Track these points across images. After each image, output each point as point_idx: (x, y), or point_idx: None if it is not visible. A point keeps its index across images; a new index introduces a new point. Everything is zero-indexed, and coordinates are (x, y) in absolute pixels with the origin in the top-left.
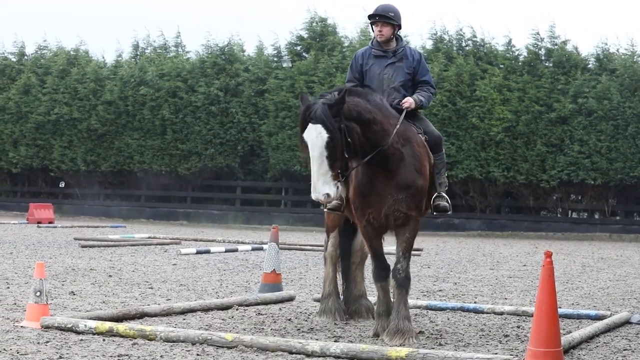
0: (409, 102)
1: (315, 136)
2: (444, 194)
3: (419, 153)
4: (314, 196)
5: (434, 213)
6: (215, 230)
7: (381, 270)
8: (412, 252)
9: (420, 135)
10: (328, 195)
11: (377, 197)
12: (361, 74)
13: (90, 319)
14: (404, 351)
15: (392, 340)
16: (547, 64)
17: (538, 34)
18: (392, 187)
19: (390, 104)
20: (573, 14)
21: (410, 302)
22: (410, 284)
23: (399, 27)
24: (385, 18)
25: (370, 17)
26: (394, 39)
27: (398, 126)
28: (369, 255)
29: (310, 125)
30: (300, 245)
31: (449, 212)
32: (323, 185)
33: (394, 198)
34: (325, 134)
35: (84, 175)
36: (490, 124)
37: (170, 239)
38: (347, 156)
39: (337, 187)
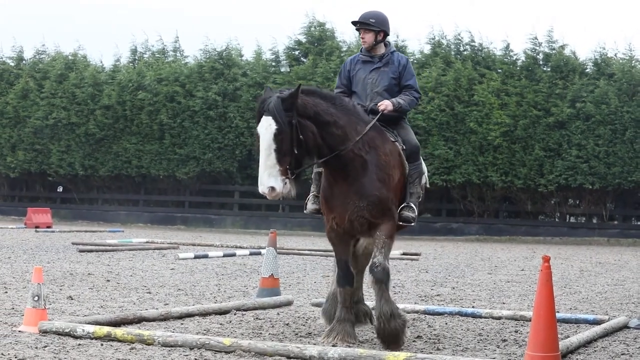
0: (385, 104)
1: (265, 128)
2: (413, 204)
3: (385, 162)
4: (260, 189)
5: (399, 222)
6: (213, 234)
7: (343, 276)
8: (411, 257)
9: (395, 143)
10: (273, 188)
11: (339, 203)
12: (349, 80)
13: (88, 323)
14: (402, 356)
15: (385, 343)
16: (545, 69)
17: (536, 38)
18: (352, 193)
19: (365, 107)
20: (571, 18)
21: (408, 306)
22: (389, 279)
23: (384, 33)
24: (365, 25)
25: (352, 23)
26: (383, 44)
27: (365, 132)
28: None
29: (262, 117)
30: (298, 249)
31: (412, 224)
32: (268, 178)
33: (355, 205)
34: (274, 125)
35: (81, 179)
36: (488, 128)
37: (168, 243)
38: (296, 152)
39: (285, 183)
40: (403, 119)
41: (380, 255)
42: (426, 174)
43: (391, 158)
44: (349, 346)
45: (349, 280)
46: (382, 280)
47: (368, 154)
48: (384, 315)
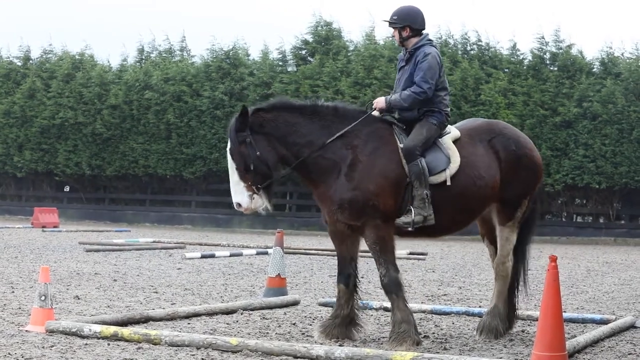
0: (375, 102)
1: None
2: (413, 209)
3: (362, 161)
4: None
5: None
6: (219, 234)
7: (338, 274)
8: (417, 257)
9: (395, 140)
10: (238, 204)
11: (321, 206)
12: None
13: (95, 323)
14: (408, 355)
15: (391, 346)
16: (551, 68)
17: (543, 37)
18: (327, 197)
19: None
20: (578, 18)
21: (415, 306)
22: (398, 288)
23: (409, 27)
24: (389, 22)
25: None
26: (415, 38)
27: (337, 136)
28: None
29: None
30: (305, 249)
31: (410, 229)
32: (235, 195)
33: (330, 208)
34: (228, 145)
35: (88, 179)
36: None
37: (175, 243)
38: (252, 168)
39: (252, 198)
40: (430, 116)
41: (380, 267)
42: (444, 170)
43: (376, 157)
44: (341, 345)
45: (343, 279)
46: (390, 291)
47: (342, 155)
48: (396, 322)
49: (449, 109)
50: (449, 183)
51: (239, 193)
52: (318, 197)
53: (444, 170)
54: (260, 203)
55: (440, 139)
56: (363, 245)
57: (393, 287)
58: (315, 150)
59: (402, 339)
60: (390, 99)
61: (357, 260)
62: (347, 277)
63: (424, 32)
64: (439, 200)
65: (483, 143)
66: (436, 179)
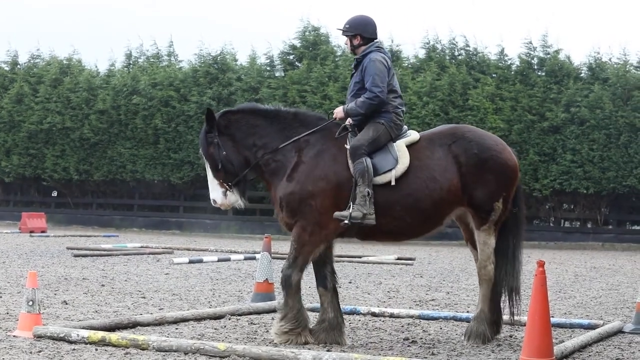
0: (335, 112)
1: None
2: (353, 205)
3: (304, 162)
4: None
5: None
6: (207, 239)
7: (315, 277)
8: (405, 262)
9: (343, 142)
10: (214, 201)
11: (274, 207)
12: None
13: (83, 328)
14: None
15: (278, 339)
16: (539, 73)
17: (530, 43)
18: (275, 199)
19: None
20: (566, 23)
21: (403, 311)
22: (289, 285)
23: (360, 36)
24: (342, 31)
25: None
26: (365, 46)
27: (295, 139)
28: None
29: None
30: None
31: (346, 222)
32: (211, 192)
33: (277, 209)
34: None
35: (76, 184)
36: None
37: (163, 248)
38: (220, 167)
39: (225, 195)
40: (378, 116)
41: (287, 261)
42: (390, 171)
43: (319, 159)
44: (329, 350)
45: (320, 282)
46: (283, 286)
47: (289, 158)
48: (280, 319)
49: (399, 110)
50: (393, 183)
51: (214, 190)
52: (272, 199)
53: (390, 170)
54: (234, 199)
55: (393, 142)
56: (349, 249)
57: (283, 282)
58: (268, 152)
59: (282, 333)
60: (347, 107)
61: (333, 263)
62: (324, 279)
63: (375, 40)
64: (387, 201)
65: (443, 147)
66: (382, 179)
